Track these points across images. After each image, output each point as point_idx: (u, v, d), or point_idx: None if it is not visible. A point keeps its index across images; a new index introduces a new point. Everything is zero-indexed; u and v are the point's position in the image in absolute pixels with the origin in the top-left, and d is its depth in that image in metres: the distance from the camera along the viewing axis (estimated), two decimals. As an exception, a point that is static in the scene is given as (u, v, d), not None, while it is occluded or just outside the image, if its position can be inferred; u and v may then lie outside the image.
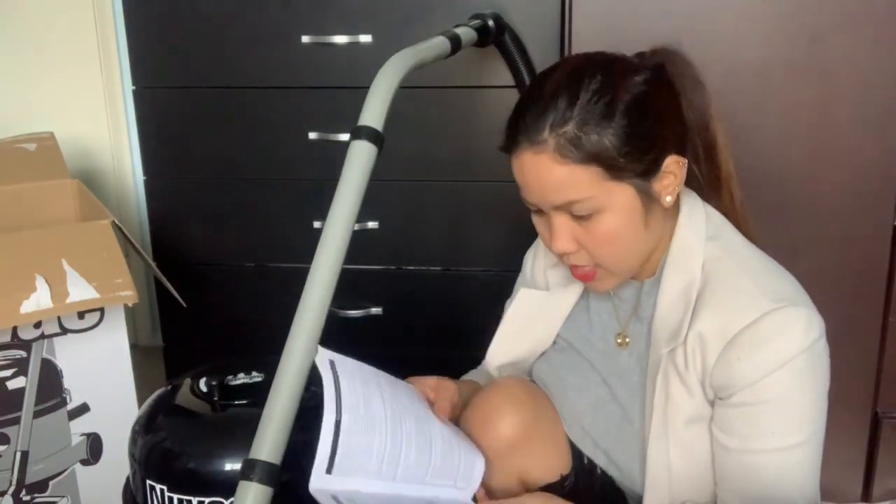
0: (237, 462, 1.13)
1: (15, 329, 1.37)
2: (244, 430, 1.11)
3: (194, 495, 1.15)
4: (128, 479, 1.29)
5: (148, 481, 1.18)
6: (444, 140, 1.66)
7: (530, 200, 1.04)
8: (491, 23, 1.47)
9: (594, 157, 0.97)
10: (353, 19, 1.63)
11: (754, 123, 1.48)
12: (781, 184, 1.50)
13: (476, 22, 1.46)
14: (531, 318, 1.24)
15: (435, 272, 1.74)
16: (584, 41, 1.49)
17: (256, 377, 1.29)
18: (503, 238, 1.70)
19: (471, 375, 1.33)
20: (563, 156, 0.97)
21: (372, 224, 1.70)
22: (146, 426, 1.24)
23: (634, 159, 0.98)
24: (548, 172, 0.98)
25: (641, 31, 1.46)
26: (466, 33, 1.38)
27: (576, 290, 1.21)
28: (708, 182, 1.11)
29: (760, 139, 1.49)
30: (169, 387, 1.31)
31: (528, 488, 1.17)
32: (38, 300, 1.30)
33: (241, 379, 1.29)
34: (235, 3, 1.65)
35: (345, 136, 1.67)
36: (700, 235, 1.06)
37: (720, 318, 1.00)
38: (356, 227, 1.71)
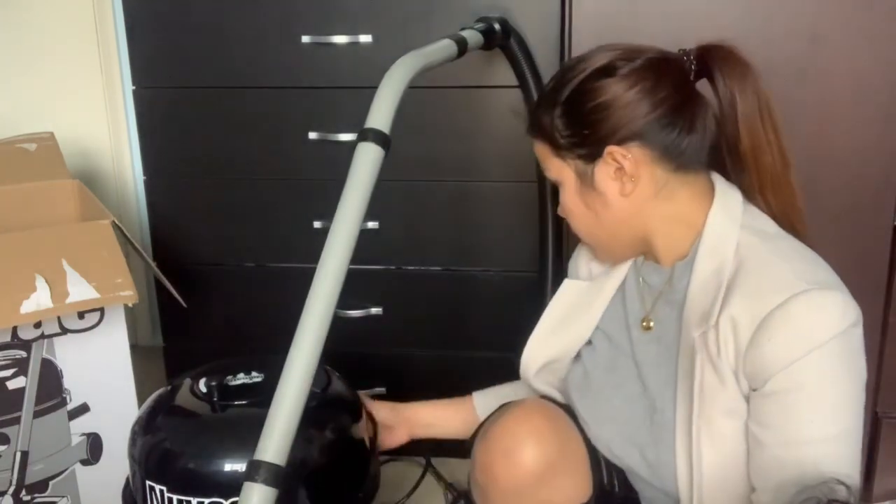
0: (237, 463, 1.14)
1: (15, 329, 1.37)
2: (244, 431, 1.11)
3: (194, 496, 1.15)
4: (127, 479, 1.29)
5: (148, 482, 1.18)
6: (445, 140, 1.66)
7: None
8: (497, 26, 1.47)
9: (543, 135, 1.12)
10: (353, 19, 1.63)
11: (754, 123, 1.48)
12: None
13: (482, 25, 1.46)
14: (573, 308, 1.24)
15: (435, 272, 1.74)
16: (584, 41, 1.48)
17: (256, 377, 1.29)
18: (504, 238, 1.70)
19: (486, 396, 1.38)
20: (531, 132, 1.14)
21: (372, 224, 1.69)
22: (146, 426, 1.24)
23: (573, 142, 1.08)
24: (534, 146, 1.16)
25: (641, 31, 1.46)
26: (473, 36, 1.38)
27: (616, 277, 1.21)
28: (752, 177, 1.10)
29: (760, 139, 1.49)
30: (168, 387, 1.31)
31: None
32: (38, 300, 1.30)
33: (241, 379, 1.29)
34: (235, 3, 1.65)
35: (345, 136, 1.67)
36: (735, 221, 1.06)
37: (752, 300, 0.99)
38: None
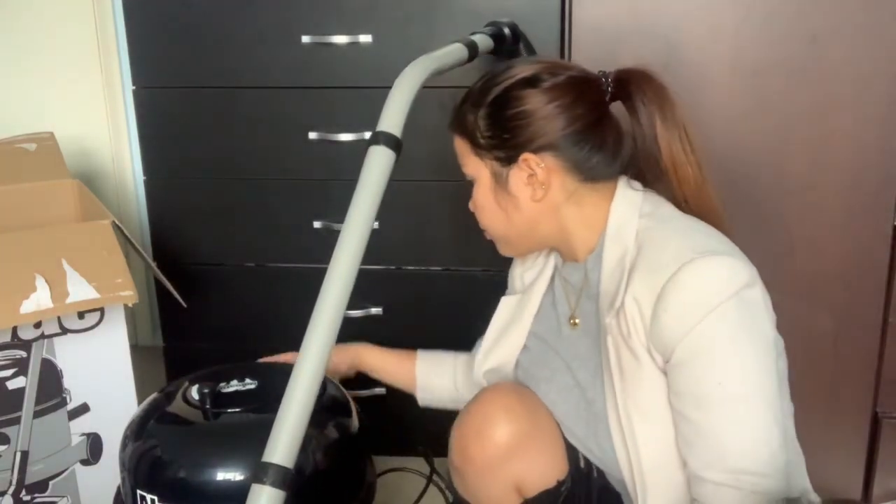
0: (230, 472, 1.12)
1: (15, 329, 1.37)
2: (236, 439, 1.10)
3: None
4: (118, 488, 1.28)
5: (139, 491, 1.17)
6: (445, 140, 1.65)
7: None
8: (507, 31, 1.47)
9: (464, 132, 1.17)
10: (353, 19, 1.63)
11: (754, 124, 1.48)
12: (781, 184, 1.50)
13: (492, 29, 1.46)
14: (509, 322, 1.30)
15: (435, 272, 1.74)
16: (584, 41, 1.49)
17: (250, 384, 1.28)
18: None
19: (438, 356, 1.44)
20: (453, 128, 1.19)
21: (373, 224, 1.69)
22: (137, 434, 1.23)
23: (492, 144, 1.14)
24: (454, 140, 1.20)
25: (641, 31, 1.46)
26: (483, 40, 1.38)
27: (541, 283, 1.27)
28: (673, 186, 1.15)
29: (760, 139, 1.49)
30: (160, 394, 1.30)
31: (524, 495, 1.18)
32: (38, 300, 1.30)
33: (235, 386, 1.27)
34: (235, 3, 1.65)
35: (345, 136, 1.67)
36: (634, 210, 1.11)
37: (649, 276, 1.03)
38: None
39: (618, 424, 1.08)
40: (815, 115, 1.46)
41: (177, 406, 1.25)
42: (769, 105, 1.47)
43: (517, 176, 1.13)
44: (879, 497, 1.63)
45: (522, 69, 1.13)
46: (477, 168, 1.17)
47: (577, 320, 1.19)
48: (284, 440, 0.93)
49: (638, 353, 1.05)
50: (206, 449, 1.18)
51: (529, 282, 1.30)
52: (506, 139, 1.12)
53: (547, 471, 1.18)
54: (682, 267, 1.00)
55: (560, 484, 1.18)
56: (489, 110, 1.13)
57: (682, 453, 1.04)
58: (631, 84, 1.13)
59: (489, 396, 1.19)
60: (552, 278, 1.27)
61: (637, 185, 1.16)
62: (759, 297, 1.03)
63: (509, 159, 1.13)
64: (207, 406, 1.22)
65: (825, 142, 1.47)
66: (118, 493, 1.29)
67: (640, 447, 1.05)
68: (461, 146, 1.19)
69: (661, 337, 1.02)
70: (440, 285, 1.74)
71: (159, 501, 1.15)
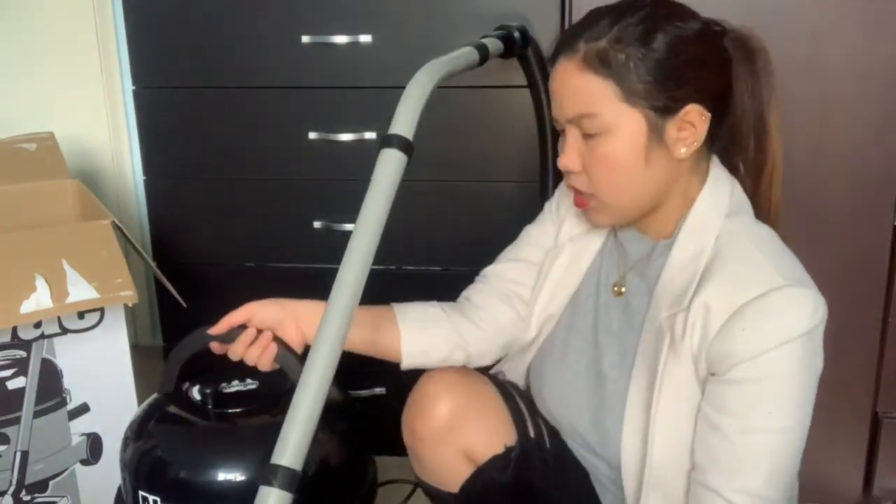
0: (233, 472, 1.12)
1: (15, 329, 1.37)
2: (239, 440, 1.10)
3: None
4: (119, 489, 1.28)
5: (140, 492, 1.17)
6: (445, 140, 1.66)
7: (554, 115, 1.09)
8: (517, 34, 1.47)
9: (614, 75, 1.01)
10: (353, 19, 1.63)
11: (754, 123, 1.48)
12: (781, 184, 1.50)
13: (501, 32, 1.46)
14: (559, 281, 1.23)
15: (435, 272, 1.74)
16: (584, 41, 1.48)
17: (251, 385, 1.28)
18: (504, 238, 1.69)
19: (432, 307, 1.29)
20: (587, 65, 1.02)
21: (372, 224, 1.69)
22: (138, 435, 1.22)
23: (653, 90, 1.01)
24: (570, 78, 1.03)
25: (641, 31, 1.46)
26: (493, 44, 1.38)
27: (595, 245, 1.21)
28: (751, 168, 1.12)
29: (760, 139, 1.49)
30: (161, 394, 1.30)
31: (474, 462, 1.20)
32: (38, 300, 1.30)
33: (236, 386, 1.27)
34: (235, 3, 1.65)
35: (345, 136, 1.67)
36: (721, 209, 1.07)
37: (728, 288, 1.00)
38: (355, 227, 1.72)
39: (640, 417, 1.06)
40: (816, 113, 1.46)
41: (178, 407, 1.25)
42: (769, 105, 1.47)
43: (675, 131, 1.03)
44: (879, 497, 1.63)
45: (691, 14, 1.05)
46: (619, 117, 1.02)
47: (623, 289, 1.15)
48: (293, 442, 0.93)
49: (682, 356, 1.03)
50: (210, 449, 1.18)
51: (578, 234, 1.22)
52: (669, 86, 1.01)
53: (493, 438, 1.19)
54: (771, 291, 0.98)
55: (509, 450, 1.20)
56: (656, 54, 1.00)
57: (700, 460, 1.03)
58: (753, 49, 1.07)
59: (429, 378, 1.21)
60: (605, 241, 1.21)
61: (726, 173, 1.11)
62: (822, 333, 1.02)
63: (669, 109, 1.02)
64: (210, 406, 1.22)
65: (825, 140, 1.47)
66: (119, 494, 1.28)
67: (655, 445, 1.05)
68: (600, 90, 1.02)
69: (725, 351, 0.99)
70: (440, 285, 1.74)
71: (162, 503, 1.15)
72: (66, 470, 1.46)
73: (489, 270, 1.30)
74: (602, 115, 1.02)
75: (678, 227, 1.09)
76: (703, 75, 1.03)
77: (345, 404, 1.32)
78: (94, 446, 1.47)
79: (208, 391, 1.23)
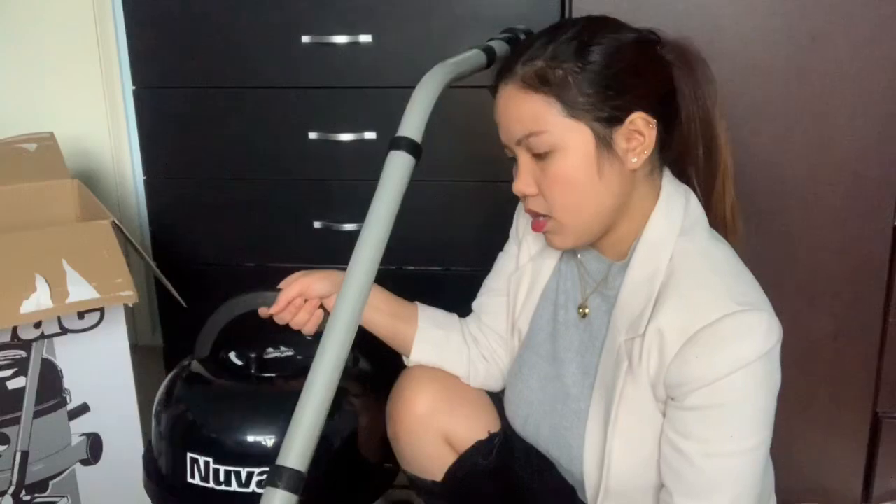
0: (281, 433, 1.14)
1: (15, 329, 1.37)
2: (290, 402, 1.12)
3: (243, 466, 1.19)
4: (149, 454, 1.31)
5: (189, 454, 1.21)
6: (444, 140, 1.66)
7: (503, 141, 1.09)
8: (523, 37, 1.47)
9: (554, 91, 1.01)
10: (353, 19, 1.63)
11: (754, 123, 1.48)
12: (781, 184, 1.50)
13: (508, 35, 1.46)
14: (525, 297, 1.26)
15: (435, 272, 1.74)
16: (585, 41, 1.48)
17: (287, 352, 1.33)
18: (504, 238, 1.69)
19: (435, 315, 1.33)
20: (526, 85, 1.03)
21: (372, 224, 1.69)
22: (181, 397, 1.28)
23: (596, 102, 1.01)
24: (512, 101, 1.05)
25: (641, 32, 1.46)
26: (500, 46, 1.38)
27: (551, 263, 1.22)
28: (703, 177, 1.11)
29: (761, 139, 1.49)
30: (196, 359, 1.33)
31: (456, 449, 1.22)
32: (38, 300, 1.30)
33: (273, 353, 1.33)
34: (235, 3, 1.65)
35: (345, 136, 1.67)
36: (674, 227, 1.06)
37: (682, 314, 1.00)
38: (355, 227, 1.73)
39: (598, 436, 1.07)
40: (815, 114, 1.46)
41: (217, 371, 1.30)
42: (769, 105, 1.47)
43: (624, 141, 1.02)
44: (879, 497, 1.63)
45: (622, 24, 1.06)
46: (566, 133, 1.02)
47: (587, 311, 1.15)
48: (299, 444, 0.93)
49: (640, 380, 1.03)
50: (261, 410, 1.23)
51: (536, 253, 1.23)
52: (610, 96, 1.01)
53: (476, 424, 1.22)
54: (724, 317, 0.97)
55: (492, 436, 1.22)
56: (594, 66, 1.01)
57: (665, 480, 1.04)
58: (692, 56, 1.07)
59: (410, 372, 1.25)
60: (561, 257, 1.21)
61: (681, 188, 1.10)
62: (778, 354, 1.02)
63: (614, 119, 1.02)
64: (253, 371, 1.27)
65: (825, 142, 1.47)
66: (149, 457, 1.32)
67: (612, 463, 1.05)
68: (544, 108, 1.02)
69: (682, 378, 0.99)
70: (440, 285, 1.74)
71: (214, 463, 1.19)
72: (66, 470, 1.46)
73: (477, 305, 1.34)
74: (549, 131, 1.02)
75: (633, 248, 1.08)
76: (644, 81, 1.03)
77: (371, 374, 1.36)
78: (94, 446, 1.47)
79: (252, 355, 1.28)
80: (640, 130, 1.03)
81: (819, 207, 1.50)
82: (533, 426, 1.19)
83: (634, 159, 1.03)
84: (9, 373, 1.38)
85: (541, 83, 1.02)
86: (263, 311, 1.23)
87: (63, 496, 1.47)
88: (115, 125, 2.17)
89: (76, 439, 1.45)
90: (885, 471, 1.61)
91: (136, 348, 1.52)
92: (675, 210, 1.07)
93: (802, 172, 1.50)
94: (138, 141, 1.77)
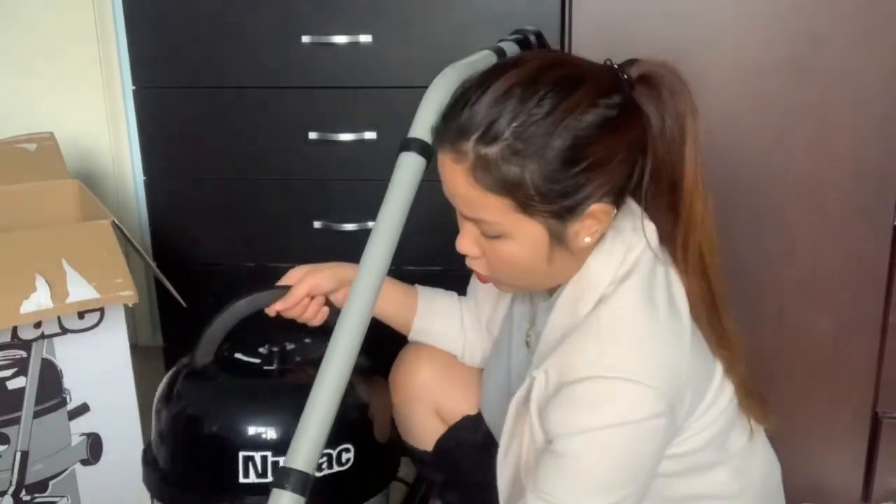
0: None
1: (15, 329, 1.37)
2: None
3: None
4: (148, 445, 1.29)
5: (242, 453, 1.20)
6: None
7: (446, 196, 1.03)
8: (533, 38, 1.47)
9: (507, 189, 0.94)
10: (353, 19, 1.63)
11: (754, 124, 1.48)
12: (781, 184, 1.50)
13: (518, 36, 1.45)
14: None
15: (435, 272, 1.74)
16: (584, 41, 1.49)
17: (301, 343, 1.33)
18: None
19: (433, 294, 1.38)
20: (476, 178, 0.95)
21: (373, 224, 1.69)
22: (222, 399, 1.26)
23: (550, 202, 0.95)
24: (461, 186, 0.97)
25: (642, 32, 1.46)
26: (511, 48, 1.38)
27: None
28: (664, 210, 1.03)
29: (760, 140, 1.49)
30: (187, 359, 1.31)
31: (446, 422, 1.30)
32: (38, 300, 1.30)
33: (291, 346, 1.33)
34: (235, 3, 1.65)
35: (345, 136, 1.67)
36: (605, 278, 1.01)
37: (563, 361, 0.99)
38: (355, 227, 1.73)
39: (508, 454, 1.11)
40: (815, 115, 1.46)
41: (234, 369, 1.29)
42: (769, 105, 1.47)
43: (577, 226, 0.98)
44: (879, 497, 1.63)
45: (590, 90, 0.94)
46: (518, 226, 0.97)
47: (529, 339, 1.17)
48: (306, 446, 0.93)
49: (531, 413, 1.03)
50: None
51: None
52: (566, 194, 0.94)
53: (467, 400, 1.29)
54: (592, 378, 0.95)
55: (481, 412, 1.26)
56: (553, 164, 0.93)
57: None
58: (660, 84, 0.97)
59: (413, 347, 1.33)
60: None
61: (624, 231, 1.02)
62: (660, 429, 0.97)
63: (570, 213, 0.96)
64: (275, 365, 1.28)
65: (825, 142, 1.47)
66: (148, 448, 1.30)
67: (503, 481, 1.12)
68: (495, 204, 0.95)
69: (547, 422, 1.00)
70: (440, 286, 1.74)
71: (273, 456, 1.19)
72: (66, 470, 1.46)
73: (471, 288, 1.37)
74: (499, 223, 0.97)
75: (559, 291, 1.05)
76: (606, 174, 0.95)
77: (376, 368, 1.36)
78: (94, 446, 1.47)
79: (275, 350, 1.29)
80: (597, 218, 0.98)
81: (819, 207, 1.50)
82: (494, 428, 1.23)
83: (587, 239, 0.99)
84: (9, 373, 1.38)
85: (493, 181, 0.94)
86: (271, 309, 1.25)
87: (63, 496, 1.47)
88: (115, 125, 2.17)
89: (76, 439, 1.45)
90: (884, 471, 1.61)
91: (136, 348, 1.52)
92: (614, 256, 1.01)
93: (802, 172, 1.49)
94: (138, 141, 1.77)
